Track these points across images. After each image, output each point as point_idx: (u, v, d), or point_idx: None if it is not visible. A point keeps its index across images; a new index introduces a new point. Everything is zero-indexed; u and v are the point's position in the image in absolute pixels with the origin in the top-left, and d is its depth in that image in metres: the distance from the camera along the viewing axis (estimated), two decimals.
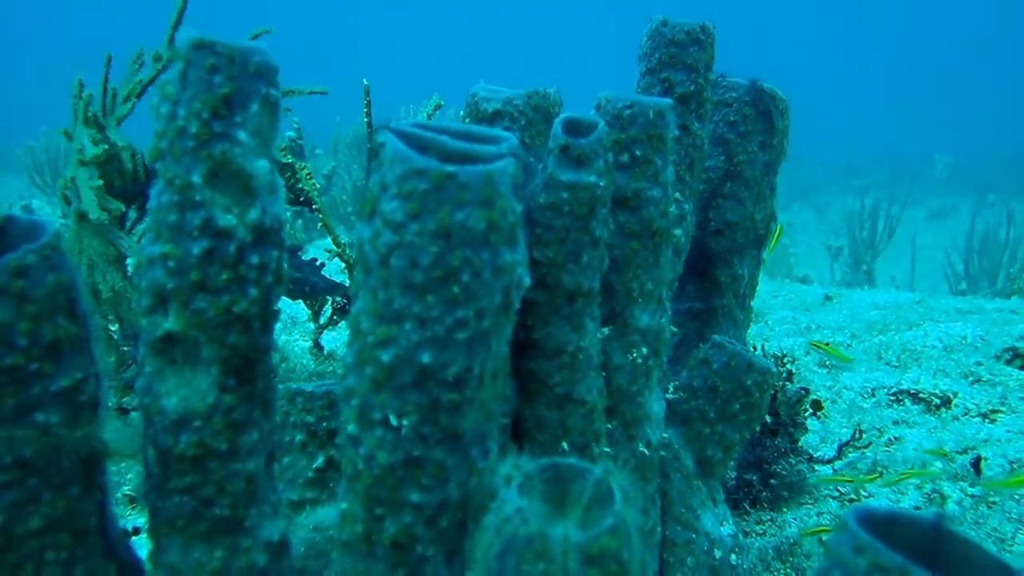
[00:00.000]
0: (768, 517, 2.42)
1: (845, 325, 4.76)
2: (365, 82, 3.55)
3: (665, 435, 1.70)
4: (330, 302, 3.68)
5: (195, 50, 1.10)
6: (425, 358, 1.03)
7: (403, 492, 1.07)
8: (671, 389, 1.86)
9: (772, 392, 1.88)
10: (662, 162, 1.52)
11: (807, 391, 2.48)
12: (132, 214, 3.27)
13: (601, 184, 1.38)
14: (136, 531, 2.12)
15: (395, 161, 1.02)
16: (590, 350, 1.46)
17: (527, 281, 1.10)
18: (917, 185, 19.48)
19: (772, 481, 2.46)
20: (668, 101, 1.52)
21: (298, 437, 1.68)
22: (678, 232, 1.73)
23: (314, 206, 3.56)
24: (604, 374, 1.54)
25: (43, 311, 1.07)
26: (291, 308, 4.32)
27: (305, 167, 3.63)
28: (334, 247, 3.48)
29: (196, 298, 1.13)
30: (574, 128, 1.40)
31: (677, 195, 1.87)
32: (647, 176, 1.52)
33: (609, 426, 1.57)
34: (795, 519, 2.41)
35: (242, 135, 1.13)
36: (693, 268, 2.17)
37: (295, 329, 4.42)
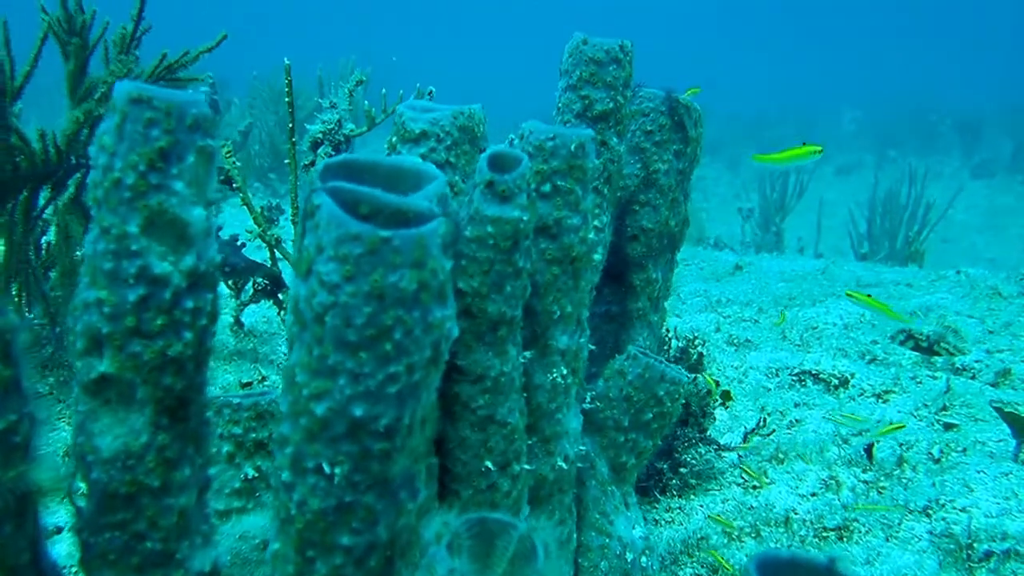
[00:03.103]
0: (677, 505, 2.54)
1: (754, 299, 4.92)
2: (286, 61, 3.53)
3: (582, 447, 1.78)
4: (251, 281, 3.68)
5: (132, 104, 1.12)
6: (358, 411, 1.08)
7: (334, 535, 1.13)
8: (588, 399, 1.94)
9: (684, 401, 1.97)
10: (582, 191, 1.59)
11: (717, 383, 2.59)
12: (46, 193, 3.22)
13: (524, 218, 1.44)
14: (59, 530, 2.14)
15: (331, 225, 1.06)
16: (512, 374, 1.52)
17: (455, 332, 1.15)
18: (825, 139, 19.80)
19: (682, 470, 2.58)
20: (589, 132, 1.57)
21: (225, 448, 1.72)
22: (597, 257, 1.79)
23: (234, 184, 3.55)
24: (525, 394, 1.61)
25: None
26: None
27: (225, 144, 3.60)
28: (255, 227, 3.48)
29: (131, 342, 1.16)
30: (499, 163, 1.45)
31: (596, 212, 1.94)
32: (568, 205, 1.58)
33: (529, 442, 1.64)
34: (702, 506, 2.53)
35: (179, 186, 1.15)
36: (609, 272, 2.25)
37: None
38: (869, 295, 2.76)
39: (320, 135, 3.66)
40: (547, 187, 1.57)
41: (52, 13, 3.06)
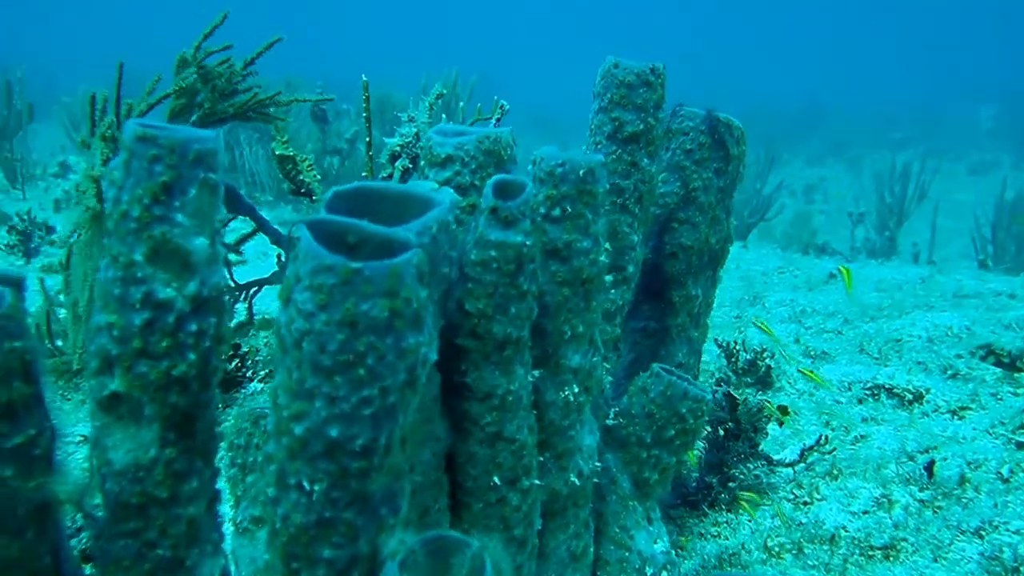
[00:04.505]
0: (724, 519, 2.54)
1: (840, 309, 4.83)
2: (364, 78, 3.65)
3: (598, 463, 1.82)
4: None
5: (138, 142, 1.21)
6: (333, 432, 1.14)
7: (316, 549, 1.19)
8: (611, 415, 1.97)
9: (707, 418, 1.99)
10: (592, 215, 1.62)
11: (768, 402, 2.59)
12: None
13: (528, 243, 1.48)
14: None
15: (307, 256, 1.12)
16: (520, 392, 1.57)
17: (433, 357, 1.21)
18: (959, 138, 18.92)
19: (731, 484, 2.58)
20: (599, 158, 1.61)
21: (261, 457, 1.81)
22: (609, 278, 1.82)
23: (314, 197, 3.68)
24: (536, 411, 1.65)
25: None
26: None
27: (306, 159, 3.74)
28: None
29: (139, 363, 1.26)
30: (505, 190, 1.50)
31: (627, 232, 1.97)
32: (578, 228, 1.62)
33: (542, 458, 1.69)
34: (750, 520, 2.52)
35: (180, 217, 1.24)
36: (648, 289, 2.27)
37: None
38: (770, 330, 2.83)
39: (398, 148, 3.76)
40: (557, 211, 1.61)
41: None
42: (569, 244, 1.62)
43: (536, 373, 1.63)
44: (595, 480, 1.81)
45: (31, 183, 8.71)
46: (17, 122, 8.61)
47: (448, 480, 1.60)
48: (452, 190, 1.66)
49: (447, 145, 1.79)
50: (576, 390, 1.69)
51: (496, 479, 1.58)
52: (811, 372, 2.95)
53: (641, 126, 1.96)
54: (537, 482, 1.64)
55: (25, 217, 5.85)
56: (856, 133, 19.58)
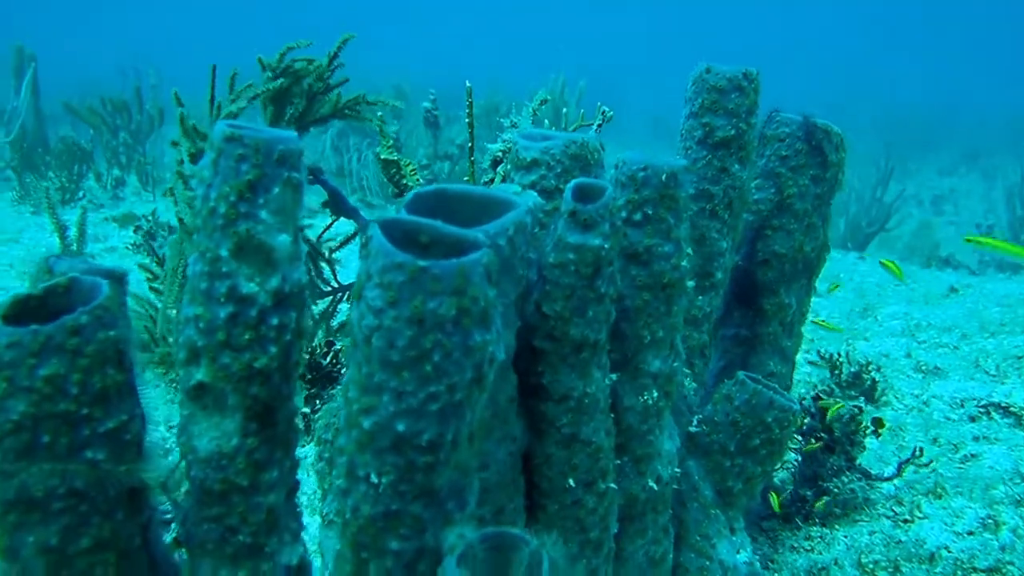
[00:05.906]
0: (818, 533, 2.49)
1: (958, 324, 4.66)
2: (468, 84, 3.70)
3: (678, 470, 1.80)
4: None
5: (226, 142, 1.27)
6: (400, 426, 1.17)
7: (384, 540, 1.22)
8: (695, 422, 1.95)
9: (794, 428, 1.95)
10: (675, 220, 1.62)
11: (860, 410, 2.52)
12: None
13: (606, 246, 1.49)
14: None
15: (378, 254, 1.16)
16: (597, 395, 1.57)
17: (500, 356, 1.23)
18: None
19: (825, 498, 2.52)
20: (682, 163, 1.61)
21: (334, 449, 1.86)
22: (691, 283, 1.81)
23: None
24: (614, 415, 1.65)
25: (94, 364, 1.25)
26: None
27: (410, 163, 3.81)
28: None
29: (223, 354, 1.31)
30: (584, 193, 1.51)
31: (715, 238, 1.95)
32: (659, 233, 1.61)
33: (619, 462, 1.69)
34: (846, 536, 2.46)
35: (264, 214, 1.29)
36: (740, 296, 2.25)
37: None
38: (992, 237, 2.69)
39: (499, 154, 3.79)
40: (638, 216, 1.61)
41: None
42: (650, 248, 1.62)
43: (614, 376, 1.64)
44: (676, 487, 1.80)
45: (161, 185, 9.08)
46: (149, 126, 9.00)
47: (525, 481, 1.62)
48: (535, 193, 1.68)
49: (533, 149, 1.80)
50: (655, 395, 1.69)
51: (571, 481, 1.59)
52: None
53: (732, 131, 1.95)
54: (613, 486, 1.64)
55: (151, 218, 6.11)
56: (992, 140, 18.76)
